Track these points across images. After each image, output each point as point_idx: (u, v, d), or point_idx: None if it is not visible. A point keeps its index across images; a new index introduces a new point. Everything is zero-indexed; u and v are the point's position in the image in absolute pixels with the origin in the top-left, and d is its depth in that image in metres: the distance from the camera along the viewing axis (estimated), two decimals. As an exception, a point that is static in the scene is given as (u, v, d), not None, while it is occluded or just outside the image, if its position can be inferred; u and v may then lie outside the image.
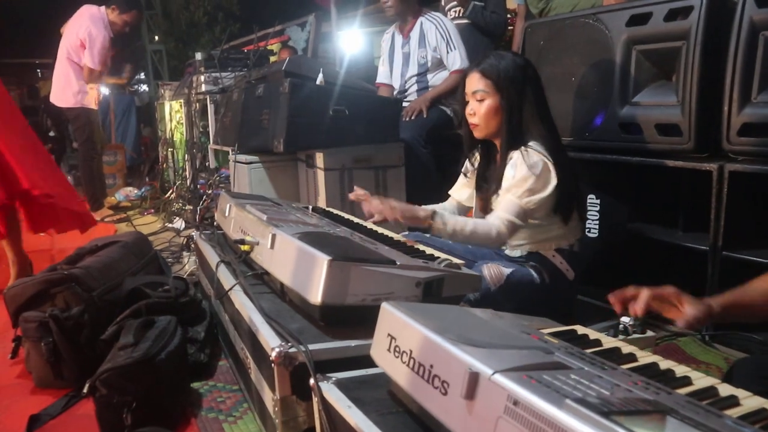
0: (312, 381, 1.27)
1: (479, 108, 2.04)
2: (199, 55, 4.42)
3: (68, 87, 4.51)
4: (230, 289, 1.77)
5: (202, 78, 4.17)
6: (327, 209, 2.44)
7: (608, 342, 1.27)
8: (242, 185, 3.27)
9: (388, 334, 1.20)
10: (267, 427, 1.55)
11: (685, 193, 2.29)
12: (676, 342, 2.12)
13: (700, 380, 1.05)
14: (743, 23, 1.90)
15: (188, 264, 3.09)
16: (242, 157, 3.24)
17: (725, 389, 1.00)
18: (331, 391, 1.24)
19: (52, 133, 10.07)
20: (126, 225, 4.52)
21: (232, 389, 1.90)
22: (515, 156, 1.98)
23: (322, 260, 1.42)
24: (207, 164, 4.24)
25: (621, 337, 2.04)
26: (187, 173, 4.49)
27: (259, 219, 1.86)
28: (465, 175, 2.31)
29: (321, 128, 2.82)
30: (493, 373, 0.90)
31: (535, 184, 1.91)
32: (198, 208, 3.79)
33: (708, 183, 2.05)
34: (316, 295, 1.43)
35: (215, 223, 2.56)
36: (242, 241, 1.84)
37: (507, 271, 1.97)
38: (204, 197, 3.78)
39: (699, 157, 2.10)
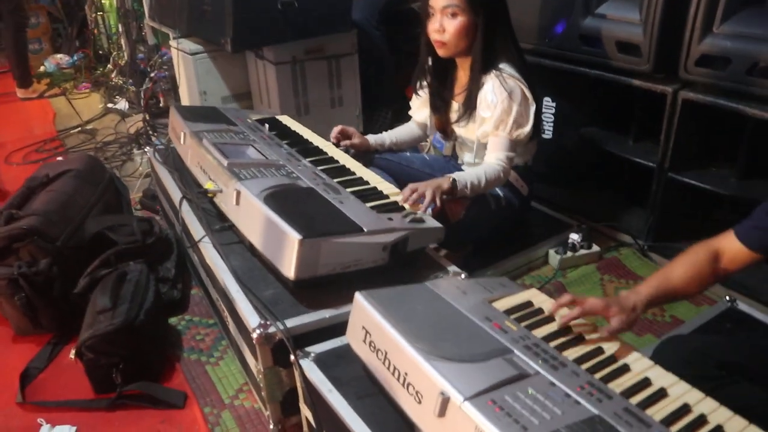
0: (292, 357, 1.38)
1: (450, 25, 1.91)
2: None
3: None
4: (199, 240, 1.80)
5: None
6: (285, 124, 2.39)
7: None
8: (187, 76, 3.12)
9: (363, 327, 1.28)
10: (248, 374, 1.68)
11: (639, 105, 2.32)
12: (617, 255, 2.28)
13: (636, 363, 1.19)
14: (715, -54, 1.83)
15: (141, 165, 3.04)
16: (186, 45, 3.07)
17: (657, 376, 1.16)
18: (311, 371, 1.34)
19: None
20: (62, 101, 4.31)
21: (209, 324, 1.99)
22: (490, 81, 1.94)
23: (294, 238, 1.44)
24: (143, 35, 3.98)
25: (569, 253, 2.21)
26: (123, 45, 4.20)
27: (219, 163, 1.83)
28: (418, 94, 2.24)
29: (270, 24, 2.67)
30: (464, 400, 1.01)
31: (518, 115, 1.92)
32: (141, 90, 3.62)
33: (662, 102, 2.08)
34: (289, 271, 1.47)
35: (168, 141, 2.48)
36: (205, 190, 1.83)
37: (465, 205, 2.02)
38: (147, 80, 3.60)
39: (655, 78, 2.10)
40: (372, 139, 2.26)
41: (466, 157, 2.21)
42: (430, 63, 2.12)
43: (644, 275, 2.13)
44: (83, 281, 1.88)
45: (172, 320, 2.00)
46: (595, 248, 2.24)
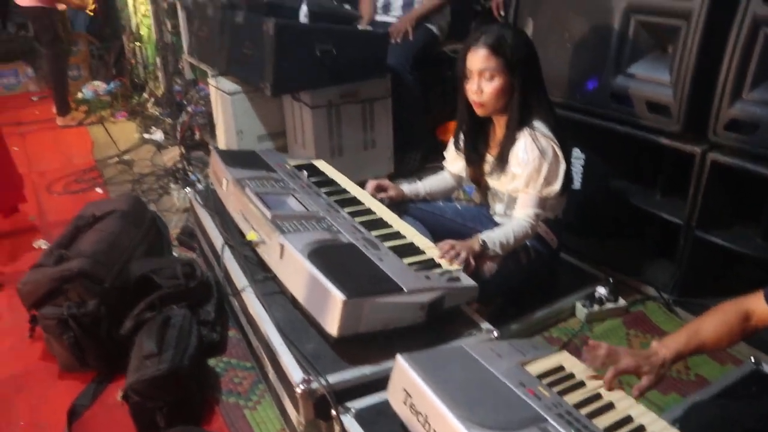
0: (333, 413, 1.44)
1: (488, 87, 1.99)
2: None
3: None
4: (242, 290, 1.88)
5: (169, -24, 3.91)
6: (322, 170, 2.47)
7: (591, 387, 1.40)
8: (225, 114, 3.23)
9: (404, 389, 1.34)
10: (287, 423, 1.74)
11: (667, 161, 2.37)
12: (643, 309, 2.32)
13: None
14: (746, 16, 1.88)
15: (178, 200, 3.14)
16: (224, 85, 3.17)
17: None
18: (352, 427, 1.41)
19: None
20: (100, 129, 4.45)
21: (246, 367, 2.06)
22: (523, 140, 2.01)
23: (338, 299, 1.51)
24: (181, 68, 4.11)
25: (596, 307, 2.26)
26: (160, 76, 4.33)
27: (263, 215, 1.91)
28: (457, 147, 2.32)
29: (308, 69, 2.76)
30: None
31: (548, 173, 1.99)
32: (177, 123, 3.73)
33: (690, 160, 2.14)
34: (332, 328, 1.54)
35: (209, 181, 2.57)
36: (249, 241, 1.92)
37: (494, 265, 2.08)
38: (184, 113, 3.71)
39: (684, 138, 2.16)
40: (407, 189, 2.34)
41: (498, 207, 2.28)
42: (467, 119, 2.20)
43: (669, 331, 2.17)
44: (129, 323, 1.96)
45: (211, 362, 2.07)
46: (622, 302, 2.29)
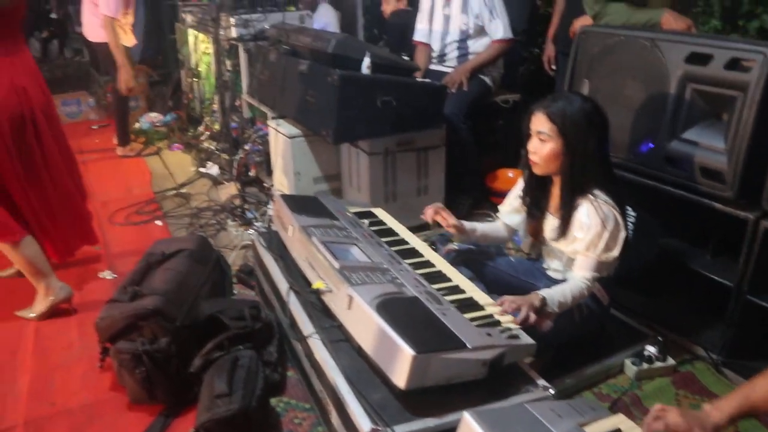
0: (399, 464, 1.52)
1: (541, 148, 2.10)
2: (226, -8, 4.28)
3: (95, 22, 4.41)
4: (308, 336, 1.97)
5: (232, 20, 4.09)
6: (381, 219, 2.58)
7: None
8: (283, 156, 3.36)
9: (471, 449, 1.41)
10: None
11: (720, 224, 2.42)
12: (691, 369, 2.36)
13: None
14: (802, 92, 1.96)
15: (236, 237, 3.26)
16: (285, 128, 3.31)
17: None
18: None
19: (53, 15, 9.60)
20: (157, 160, 4.64)
21: (305, 408, 2.14)
22: (585, 206, 2.09)
23: (408, 354, 1.60)
24: (238, 106, 4.27)
25: (645, 365, 2.30)
26: (216, 112, 4.51)
27: (331, 265, 2.01)
28: (520, 198, 2.39)
29: (369, 119, 2.89)
30: None
31: (609, 240, 2.06)
32: (234, 160, 3.89)
33: (743, 225, 2.19)
34: (400, 381, 1.63)
35: (269, 222, 2.69)
36: (317, 289, 2.02)
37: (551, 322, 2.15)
38: (241, 150, 3.87)
39: (738, 203, 2.22)
40: (465, 223, 2.42)
41: (554, 264, 2.35)
42: (529, 176, 2.29)
43: (719, 393, 2.20)
44: (198, 361, 2.07)
45: (272, 401, 2.16)
46: (671, 361, 2.33)
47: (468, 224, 2.42)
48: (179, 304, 2.20)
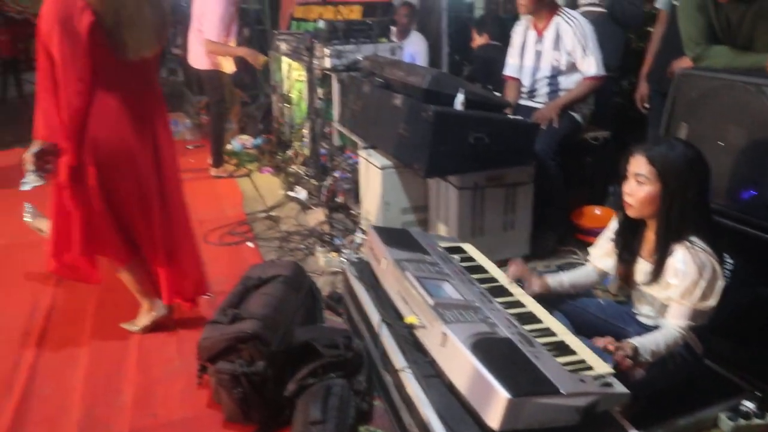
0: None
1: (638, 191, 2.10)
2: (321, 24, 4.45)
3: (200, 50, 4.68)
4: (401, 369, 2.02)
5: (326, 51, 4.24)
6: (471, 256, 2.61)
7: None
8: (373, 186, 3.45)
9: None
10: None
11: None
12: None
13: None
14: None
15: (322, 261, 3.36)
16: (376, 159, 3.40)
17: None
18: None
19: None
20: (248, 182, 4.84)
21: (392, 439, 2.19)
22: (681, 252, 2.06)
23: (503, 396, 1.62)
24: (327, 133, 4.40)
25: (742, 421, 2.24)
26: (306, 138, 4.66)
27: (425, 301, 2.06)
28: (612, 241, 2.38)
29: (461, 155, 2.93)
30: None
31: (706, 288, 2.03)
32: (322, 186, 4.01)
33: None
34: (493, 422, 1.65)
35: (361, 252, 2.77)
36: (411, 324, 2.07)
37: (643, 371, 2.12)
38: (330, 177, 3.99)
39: None
40: (551, 280, 2.42)
41: (645, 309, 2.32)
42: (623, 218, 2.28)
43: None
44: (292, 386, 2.15)
45: (360, 429, 2.21)
46: (770, 419, 2.25)
47: (554, 281, 2.42)
48: (275, 329, 2.29)
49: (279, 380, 2.21)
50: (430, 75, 3.05)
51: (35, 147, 2.46)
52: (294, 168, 4.70)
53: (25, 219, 3.57)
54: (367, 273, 2.60)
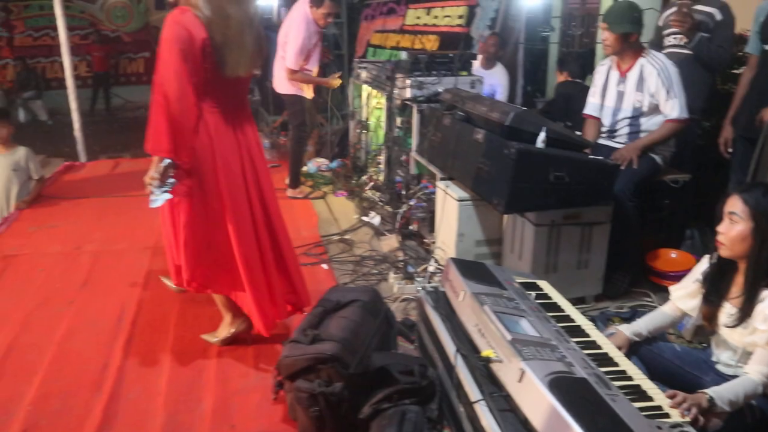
0: None
1: (730, 229, 2.12)
2: (404, 55, 4.59)
3: (283, 75, 4.88)
4: (476, 401, 2.06)
5: (408, 81, 4.35)
6: (546, 293, 2.64)
7: None
8: (449, 217, 3.51)
9: None
10: None
11: None
12: None
13: None
14: None
15: (395, 287, 3.44)
16: (453, 190, 3.47)
17: None
18: None
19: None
20: (322, 204, 4.98)
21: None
22: None
23: (581, 439, 1.65)
24: (404, 161, 4.50)
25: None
26: (382, 165, 4.78)
27: (502, 336, 2.10)
28: (698, 282, 2.37)
29: (540, 193, 2.97)
30: None
31: None
32: (398, 213, 4.10)
33: None
34: (570, 464, 1.68)
35: (434, 281, 2.83)
36: (487, 358, 2.11)
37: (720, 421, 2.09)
38: (405, 205, 4.08)
39: None
40: (628, 331, 2.41)
41: (724, 356, 2.29)
42: (714, 258, 2.27)
43: None
44: (367, 410, 2.22)
45: (429, 457, 2.26)
46: None
47: (632, 333, 2.41)
48: (353, 352, 2.36)
49: (354, 402, 2.28)
50: (513, 112, 3.10)
51: (158, 164, 2.55)
52: (368, 193, 4.81)
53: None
54: (442, 303, 2.66)
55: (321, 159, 5.83)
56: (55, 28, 12.08)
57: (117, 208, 5.02)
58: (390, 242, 4.02)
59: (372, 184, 4.94)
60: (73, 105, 6.70)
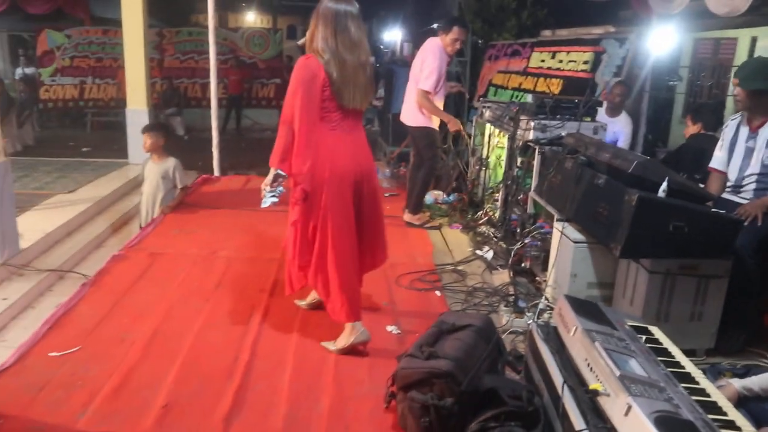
0: None
1: None
2: (530, 98, 4.75)
3: (417, 109, 5.17)
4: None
5: (531, 123, 4.51)
6: (657, 338, 2.69)
7: None
8: (563, 257, 3.61)
9: None
10: None
11: None
12: None
13: None
14: None
15: (505, 320, 3.57)
16: (570, 232, 3.57)
17: None
18: None
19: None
20: (437, 235, 5.20)
21: (559, 495, 2.33)
22: None
23: (684, 474, 1.73)
24: (521, 199, 4.64)
25: None
26: (499, 202, 4.94)
27: (611, 372, 2.20)
28: None
29: (658, 241, 3.03)
30: None
31: None
32: (511, 250, 4.23)
33: None
34: (671, 497, 1.76)
35: (543, 318, 2.94)
36: (595, 390, 2.22)
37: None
38: (519, 243, 4.21)
39: None
40: (738, 385, 2.44)
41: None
42: None
43: None
44: (475, 426, 2.37)
45: (529, 482, 2.38)
46: None
47: (742, 385, 2.43)
48: (465, 371, 2.53)
49: (461, 418, 2.44)
50: (636, 161, 3.19)
51: (272, 174, 3.09)
52: (483, 228, 4.97)
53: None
54: (553, 337, 2.77)
55: (437, 191, 6.05)
56: (199, 53, 13.37)
57: (248, 221, 5.46)
58: (501, 277, 4.15)
59: (486, 219, 5.10)
60: (214, 123, 7.33)
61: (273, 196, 3.11)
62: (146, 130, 5.51)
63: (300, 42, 3.38)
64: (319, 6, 3.13)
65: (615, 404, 2.12)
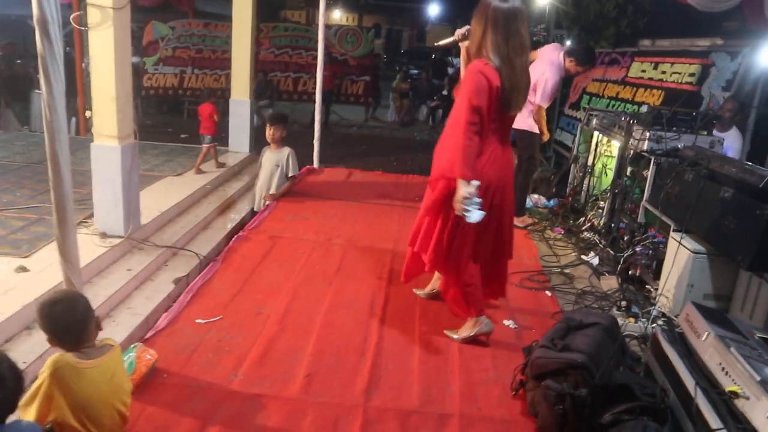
0: None
1: None
2: (645, 108, 4.81)
3: (527, 115, 5.31)
4: (717, 431, 2.29)
5: (647, 134, 4.57)
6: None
7: None
8: (679, 267, 3.69)
9: None
10: None
11: None
12: None
13: None
14: None
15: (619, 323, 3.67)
16: (689, 243, 3.65)
17: None
18: None
19: (444, 92, 11.25)
20: (539, 238, 5.32)
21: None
22: None
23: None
24: (629, 208, 4.71)
25: None
26: (603, 209, 5.02)
27: (751, 376, 2.31)
28: None
29: (787, 256, 3.09)
30: None
31: None
32: (622, 257, 4.32)
33: None
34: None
35: (663, 324, 3.05)
36: (733, 393, 2.33)
37: None
38: (629, 250, 4.30)
39: None
40: None
41: None
42: None
43: None
44: (609, 417, 2.51)
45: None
46: None
47: None
48: (598, 365, 2.68)
49: (593, 409, 2.58)
50: (766, 179, 3.25)
51: (470, 187, 2.97)
52: (587, 234, 5.07)
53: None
54: (678, 341, 2.88)
55: (536, 195, 6.16)
56: (293, 48, 13.79)
57: (356, 211, 5.73)
58: (609, 282, 4.25)
59: (589, 224, 5.18)
60: (317, 116, 7.63)
61: (477, 207, 2.97)
62: (274, 122, 5.76)
63: (442, 42, 3.49)
64: (484, 6, 3.03)
65: (756, 407, 2.23)
